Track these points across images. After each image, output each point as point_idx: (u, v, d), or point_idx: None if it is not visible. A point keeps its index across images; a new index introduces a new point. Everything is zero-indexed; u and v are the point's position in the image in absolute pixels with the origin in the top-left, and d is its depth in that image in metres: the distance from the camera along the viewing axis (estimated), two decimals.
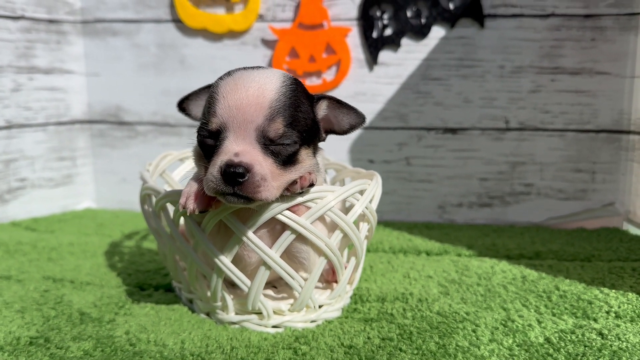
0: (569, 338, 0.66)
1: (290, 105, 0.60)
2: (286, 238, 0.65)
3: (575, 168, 1.19)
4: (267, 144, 0.59)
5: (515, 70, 1.18)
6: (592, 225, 1.19)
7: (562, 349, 0.63)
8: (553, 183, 1.20)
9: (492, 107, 1.20)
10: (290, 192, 0.61)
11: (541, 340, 0.66)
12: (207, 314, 0.73)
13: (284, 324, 0.70)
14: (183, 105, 0.69)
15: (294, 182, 0.61)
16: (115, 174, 1.36)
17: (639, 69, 1.12)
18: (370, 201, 0.71)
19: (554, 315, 0.74)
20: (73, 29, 1.30)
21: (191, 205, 0.60)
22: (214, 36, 1.28)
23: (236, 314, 0.70)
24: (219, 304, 0.70)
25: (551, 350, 0.63)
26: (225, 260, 0.66)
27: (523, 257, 1.00)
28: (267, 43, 1.26)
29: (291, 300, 0.71)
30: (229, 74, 0.62)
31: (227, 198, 0.58)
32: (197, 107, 0.68)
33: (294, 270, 0.67)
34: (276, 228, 0.67)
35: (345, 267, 0.72)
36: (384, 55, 1.22)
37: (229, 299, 0.70)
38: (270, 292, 0.76)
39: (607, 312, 0.74)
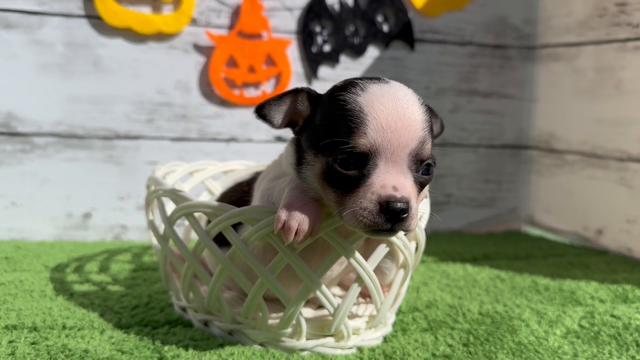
0: (595, 322, 0.74)
1: (430, 126, 0.56)
2: (381, 251, 0.62)
3: (485, 179, 1.35)
4: (417, 171, 0.55)
5: (439, 91, 1.30)
6: (499, 229, 1.36)
7: (601, 332, 0.72)
8: (468, 193, 1.35)
9: None
10: None
11: (576, 327, 0.74)
12: (261, 344, 0.66)
13: (358, 343, 0.67)
14: (263, 111, 0.60)
15: None
16: (1, 197, 1.11)
17: (536, 94, 1.33)
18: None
19: (559, 305, 0.84)
20: None
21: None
22: (137, 37, 1.14)
23: (307, 339, 0.65)
24: (289, 330, 0.64)
25: (592, 334, 0.72)
26: (317, 280, 0.60)
27: (476, 259, 1.10)
28: (201, 49, 1.17)
29: (365, 318, 0.68)
30: (359, 87, 0.55)
31: (379, 233, 0.53)
32: (279, 114, 0.61)
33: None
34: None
35: None
36: (322, 70, 1.23)
37: (304, 323, 0.64)
38: (307, 312, 0.71)
39: (592, 298, 0.87)
